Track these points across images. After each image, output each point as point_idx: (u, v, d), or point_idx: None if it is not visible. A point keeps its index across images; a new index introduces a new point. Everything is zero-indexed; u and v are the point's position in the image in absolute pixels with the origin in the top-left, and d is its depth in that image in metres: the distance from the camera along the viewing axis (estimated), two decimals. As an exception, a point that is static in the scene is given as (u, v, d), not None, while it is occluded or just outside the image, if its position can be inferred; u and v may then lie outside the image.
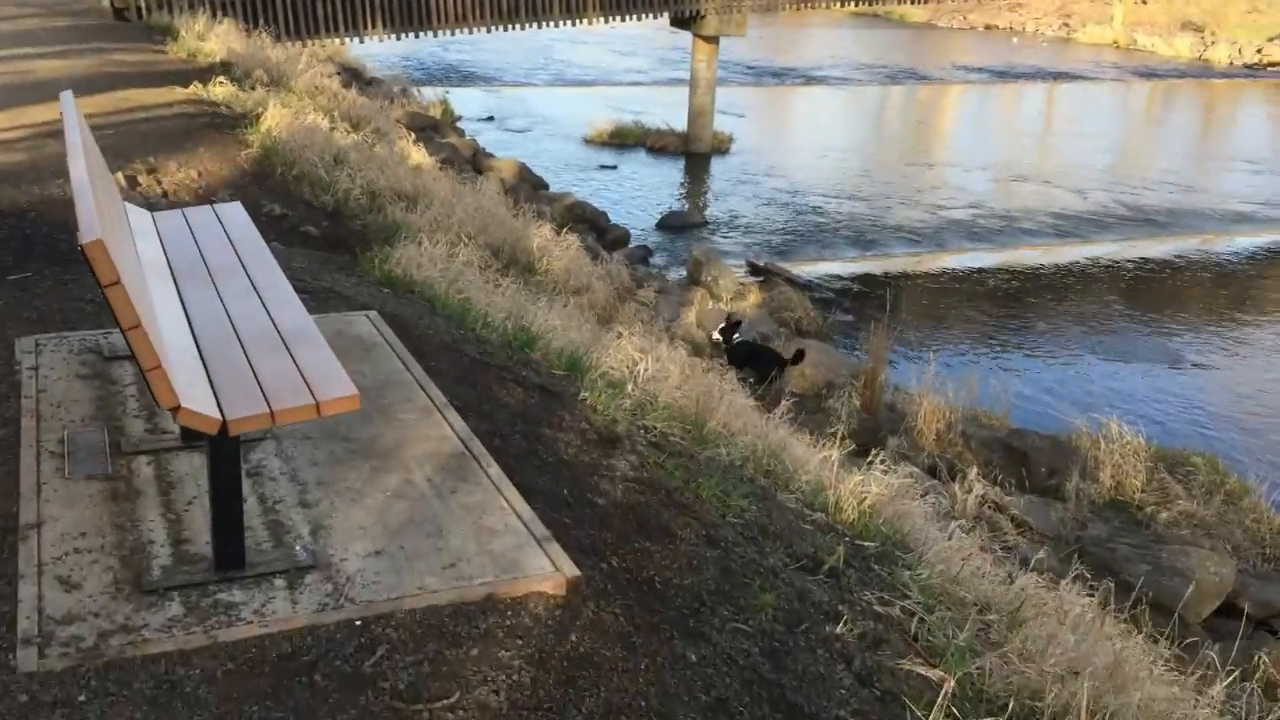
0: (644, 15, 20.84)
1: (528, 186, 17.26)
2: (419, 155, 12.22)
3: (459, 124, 22.65)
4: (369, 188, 8.89)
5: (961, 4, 46.21)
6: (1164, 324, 14.92)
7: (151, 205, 7.11)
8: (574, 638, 2.67)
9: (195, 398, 2.48)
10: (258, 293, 3.25)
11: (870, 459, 7.89)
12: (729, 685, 2.81)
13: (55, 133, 7.89)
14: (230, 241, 3.71)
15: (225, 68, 12.13)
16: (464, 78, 29.96)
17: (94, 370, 3.77)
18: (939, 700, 2.98)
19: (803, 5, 23.63)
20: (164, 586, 2.61)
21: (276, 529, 2.90)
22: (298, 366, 2.73)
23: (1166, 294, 16.48)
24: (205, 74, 11.40)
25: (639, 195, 19.50)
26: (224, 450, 2.53)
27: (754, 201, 19.61)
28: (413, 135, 13.55)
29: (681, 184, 21.08)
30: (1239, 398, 12.47)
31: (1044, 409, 11.41)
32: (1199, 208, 21.25)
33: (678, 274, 15.00)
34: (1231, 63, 41.16)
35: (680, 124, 23.39)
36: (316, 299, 4.91)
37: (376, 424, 3.46)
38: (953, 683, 3.10)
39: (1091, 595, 5.43)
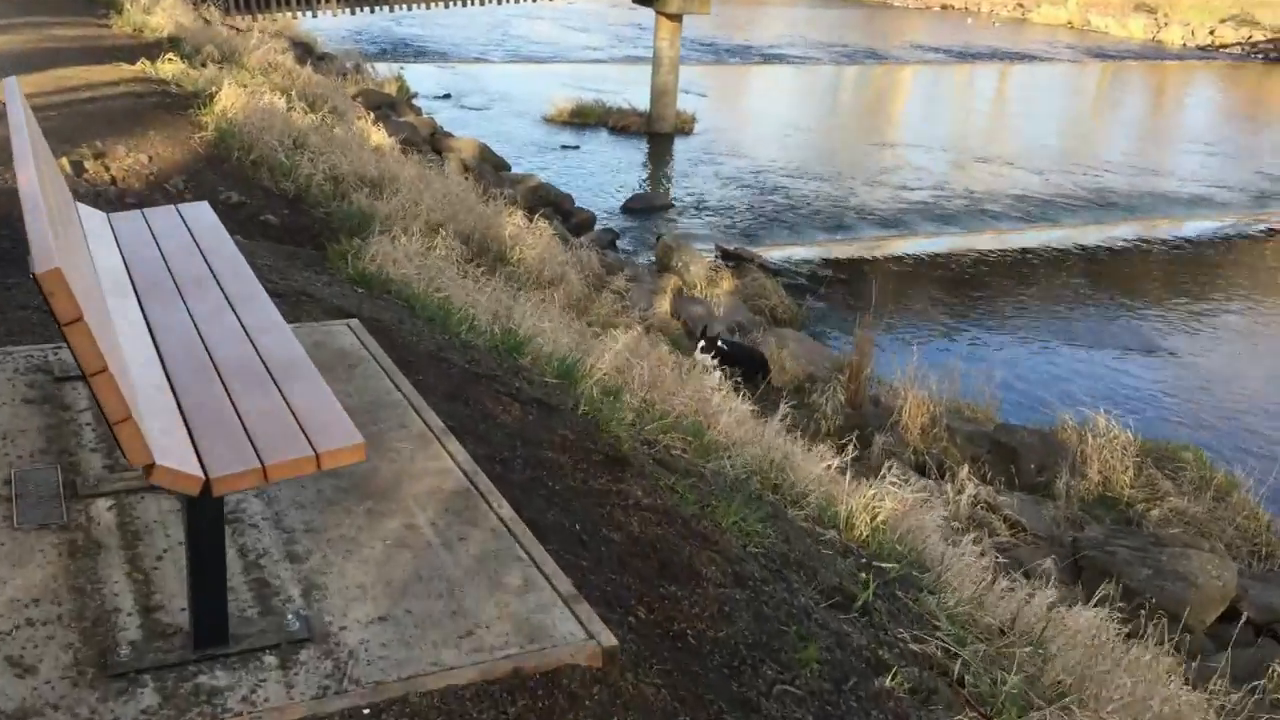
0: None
1: (489, 168, 16.77)
2: (379, 136, 11.72)
3: (415, 101, 22.03)
4: (331, 173, 8.43)
5: (918, -17, 46.18)
6: (1134, 309, 14.82)
7: (99, 194, 6.62)
8: None
9: (171, 451, 2.08)
10: (234, 310, 2.85)
11: (861, 461, 7.63)
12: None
13: (-8, 114, 7.34)
14: (199, 248, 3.29)
15: (173, 43, 11.55)
16: (418, 53, 29.25)
17: (43, 393, 3.34)
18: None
19: (766, -17, 23.24)
20: (134, 669, 2.22)
21: (262, 590, 2.51)
22: (289, 406, 2.34)
23: (1133, 278, 16.41)
24: (152, 50, 10.81)
25: (602, 176, 19.07)
26: (206, 513, 2.14)
27: (719, 183, 19.27)
28: (371, 115, 13.02)
29: (645, 165, 20.68)
30: (1214, 384, 12.38)
31: (1023, 400, 11.22)
32: (1159, 190, 21.27)
33: (646, 259, 14.63)
34: (1184, 44, 41.48)
35: (641, 103, 22.97)
36: (288, 303, 4.49)
37: (369, 456, 3.07)
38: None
39: (1101, 607, 5.20)
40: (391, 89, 21.53)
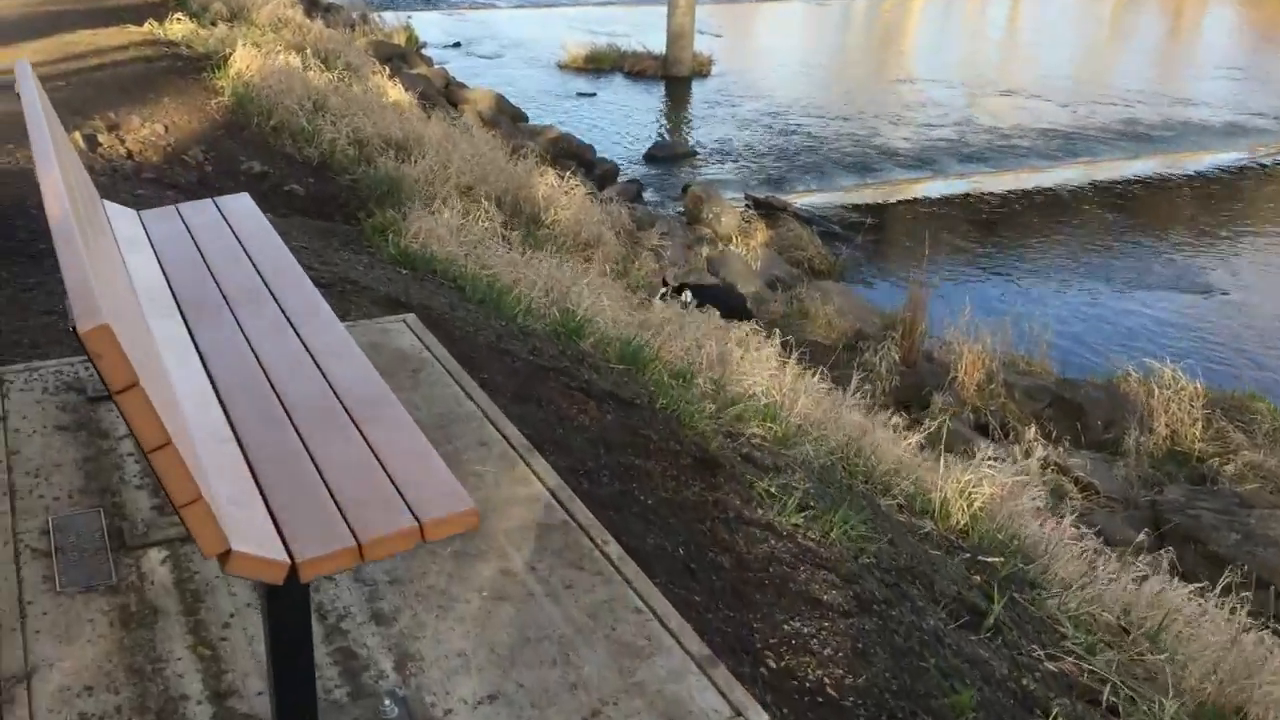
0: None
1: (507, 119, 16.27)
2: (396, 92, 11.24)
3: (425, 52, 21.43)
4: (355, 136, 8.01)
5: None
6: (1176, 245, 14.31)
7: (115, 170, 6.22)
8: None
9: (249, 531, 1.72)
10: (295, 329, 2.47)
11: (921, 425, 7.25)
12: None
13: (-2, 86, 6.93)
14: (245, 251, 2.90)
15: (180, 2, 11.05)
16: (424, 1, 28.52)
17: (77, 417, 2.98)
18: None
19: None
20: (212, 777, 1.88)
21: (349, 663, 2.16)
22: (378, 457, 1.97)
23: (1171, 213, 15.86)
24: (159, 10, 10.34)
25: (621, 124, 18.51)
26: (291, 600, 1.78)
27: (740, 127, 18.69)
28: (387, 70, 12.52)
29: (664, 111, 20.09)
30: (1268, 325, 11.92)
31: (1075, 349, 10.79)
32: (1190, 119, 20.59)
33: (673, 210, 14.17)
34: (1208, -34, 40.22)
35: (657, 46, 22.29)
36: (334, 294, 4.11)
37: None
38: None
39: (1203, 588, 4.85)
40: (400, 39, 20.92)
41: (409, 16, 23.67)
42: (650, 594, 2.41)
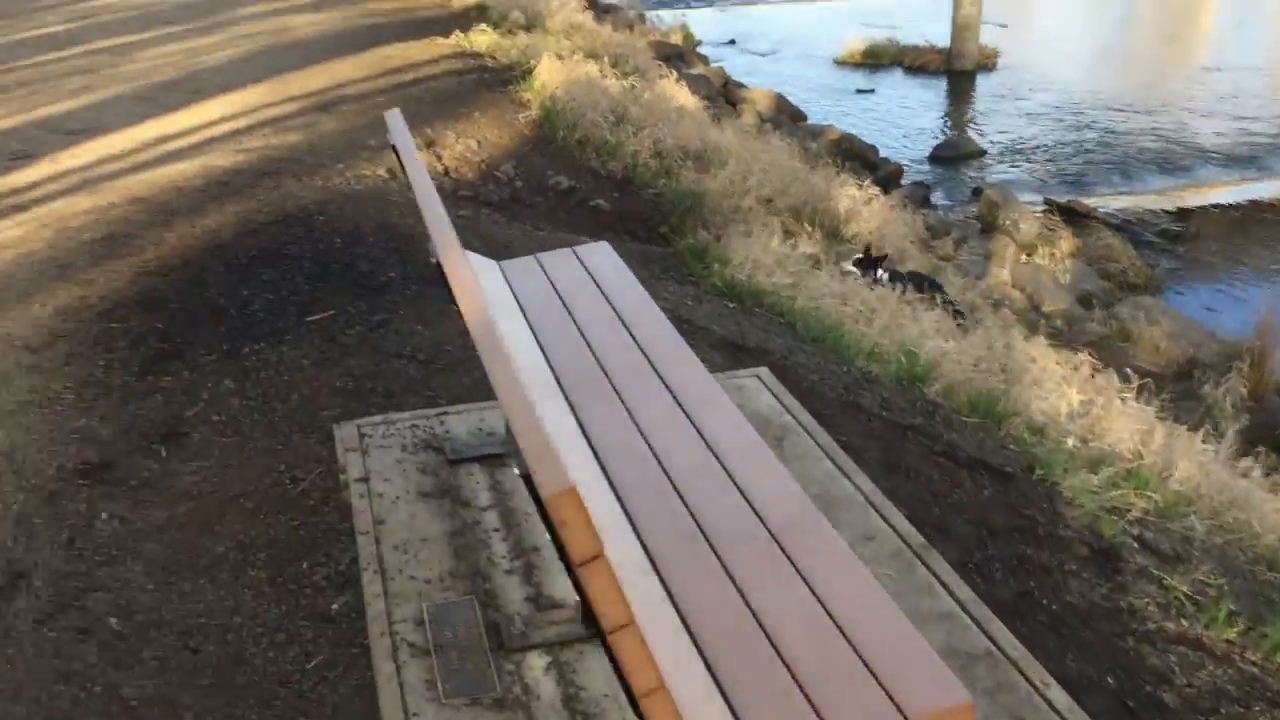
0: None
1: (786, 119, 15.88)
2: (682, 95, 11.06)
3: (700, 50, 21.33)
4: (656, 148, 7.84)
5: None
6: None
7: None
8: None
9: (700, 710, 1.43)
10: (690, 419, 2.19)
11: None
12: None
13: (325, 105, 7.16)
14: (616, 312, 2.67)
15: (481, 11, 11.29)
16: (699, -2, 28.51)
17: (438, 482, 2.84)
18: None
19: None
20: None
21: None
22: (824, 606, 1.65)
23: None
24: (462, 20, 10.58)
25: (902, 121, 17.74)
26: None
27: (1033, 124, 17.50)
28: (674, 74, 12.38)
29: (947, 107, 19.13)
30: None
31: None
32: None
33: (962, 214, 13.37)
34: None
35: (937, 38, 21.28)
36: (672, 338, 3.86)
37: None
38: None
39: None
40: (677, 38, 20.90)
41: (684, 14, 23.67)
42: (1115, 764, 1.99)
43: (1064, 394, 4.40)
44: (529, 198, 6.74)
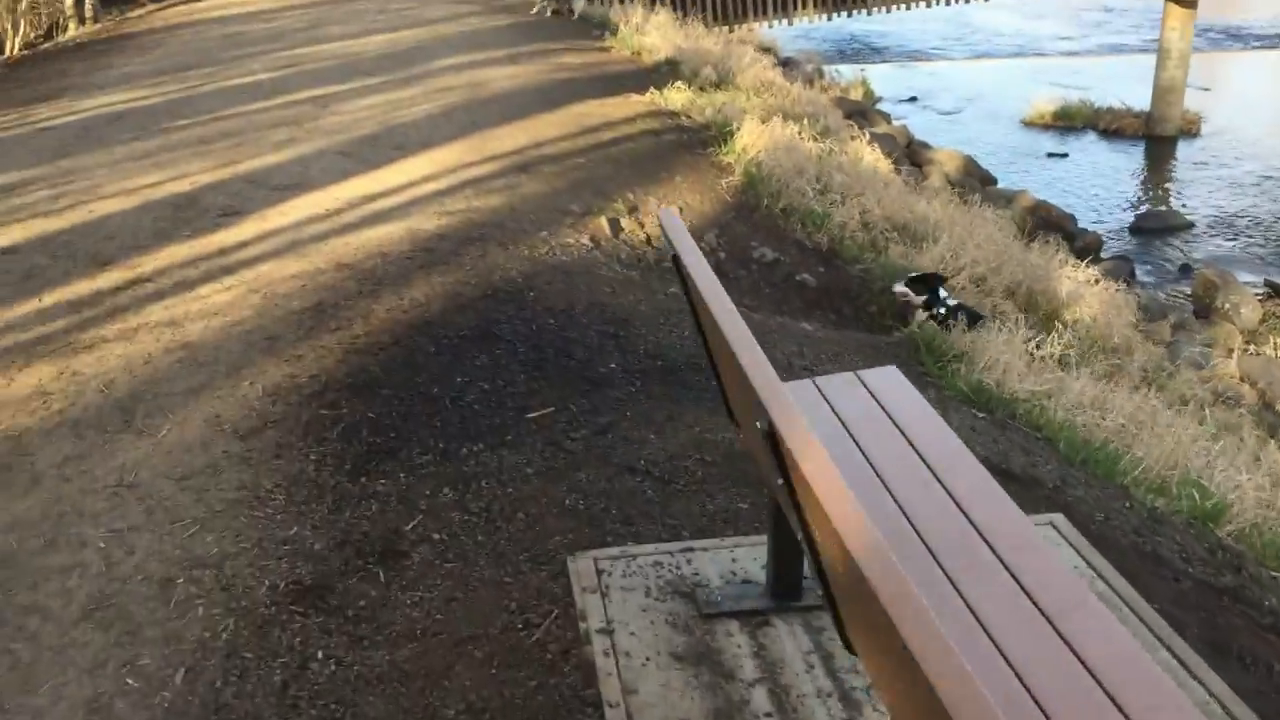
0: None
1: (976, 182, 15.23)
2: (872, 155, 10.59)
3: (880, 106, 20.81)
4: (862, 218, 7.38)
5: None
6: None
7: (639, 259, 5.96)
8: None
9: None
10: (1058, 634, 1.72)
11: None
12: None
13: (525, 165, 6.95)
14: (925, 462, 2.22)
15: (672, 66, 11.09)
16: (873, 51, 27.98)
17: (691, 642, 2.43)
18: None
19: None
20: None
21: None
22: None
23: None
24: (655, 76, 10.38)
25: (1098, 189, 16.79)
26: None
27: (1243, 196, 16.33)
28: (866, 135, 11.92)
29: (1147, 174, 18.06)
30: None
31: None
32: None
33: (1170, 291, 12.44)
34: None
35: (1133, 100, 20.20)
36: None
37: None
38: None
39: None
40: (857, 94, 20.45)
41: (862, 69, 23.21)
42: None
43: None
44: (733, 270, 6.37)
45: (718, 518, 2.92)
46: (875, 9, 17.37)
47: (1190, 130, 19.87)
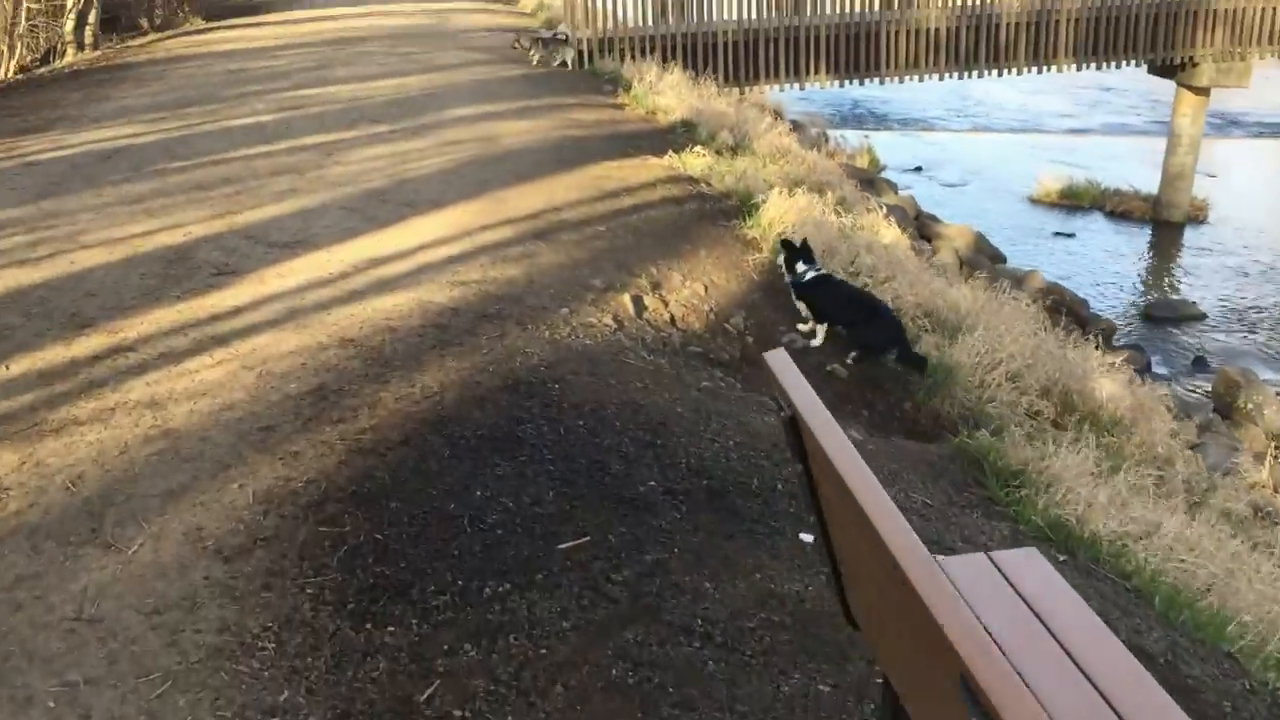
0: (1121, 62, 17.83)
1: (985, 259, 14.95)
2: (890, 232, 10.21)
3: (885, 174, 20.59)
4: (894, 303, 6.96)
5: None
6: None
7: (665, 342, 5.51)
8: None
9: None
10: None
11: None
12: None
13: (541, 231, 6.52)
14: (1080, 669, 1.77)
15: (689, 128, 10.75)
16: (876, 118, 27.90)
17: None
18: None
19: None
20: None
21: None
22: None
23: None
24: (670, 137, 10.02)
25: (1108, 272, 16.52)
26: None
27: (1254, 286, 16.08)
28: (882, 208, 11.58)
29: (1156, 260, 17.83)
30: None
31: None
32: None
33: (1187, 386, 12.08)
34: None
35: (1141, 183, 20.04)
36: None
37: None
38: None
39: None
40: (863, 161, 20.25)
41: (866, 136, 23.03)
42: None
43: None
44: (761, 357, 5.93)
45: (796, 704, 2.44)
46: (888, 78, 17.15)
47: (1198, 217, 19.70)
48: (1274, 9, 17.58)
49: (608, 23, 14.96)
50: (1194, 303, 15.29)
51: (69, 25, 13.21)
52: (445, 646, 2.60)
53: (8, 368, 3.99)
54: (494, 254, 5.94)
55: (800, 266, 6.02)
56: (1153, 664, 2.93)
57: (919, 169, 22.33)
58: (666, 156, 9.07)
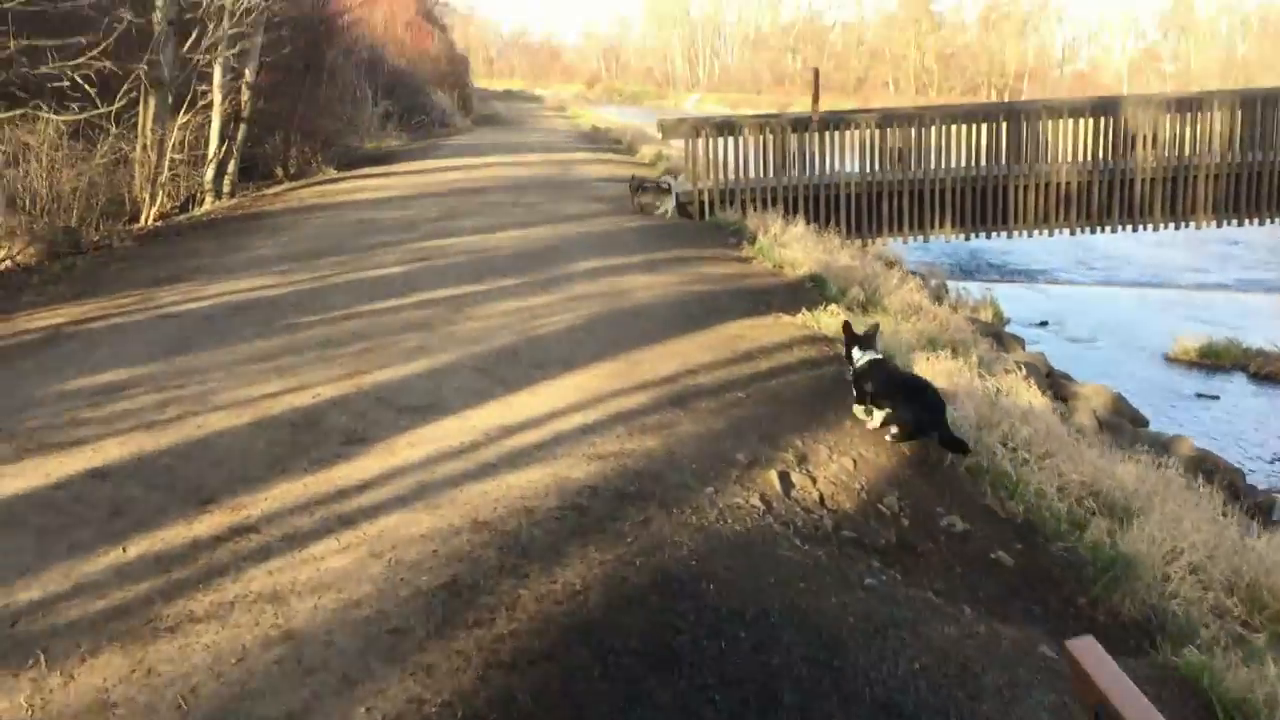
0: (1266, 219, 17.15)
1: (1126, 422, 14.12)
2: (1030, 394, 9.61)
3: (1009, 328, 19.95)
4: (1059, 483, 6.39)
5: None
6: None
7: (816, 527, 5.03)
8: None
9: None
10: None
11: None
12: None
13: (678, 397, 6.15)
14: None
15: (818, 283, 10.43)
16: (994, 269, 27.36)
17: None
18: None
19: None
20: None
21: None
22: None
23: None
24: (801, 293, 9.70)
25: (1257, 441, 15.50)
26: None
27: None
28: (1022, 369, 11.00)
29: (1308, 425, 16.73)
30: None
31: None
32: None
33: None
34: None
35: (1282, 340, 19.04)
36: None
37: None
38: None
39: None
40: (987, 314, 19.68)
41: (988, 288, 22.50)
42: None
43: None
44: (919, 542, 5.39)
45: None
46: (1016, 231, 16.76)
47: (1351, 380, 18.57)
48: None
49: (728, 173, 14.93)
50: (1360, 475, 14.16)
51: (209, 174, 13.65)
52: None
53: (125, 550, 3.72)
54: (630, 423, 5.60)
55: (857, 353, 6.22)
56: None
57: (1045, 323, 21.63)
58: (800, 314, 8.73)
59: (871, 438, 6.30)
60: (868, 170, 15.58)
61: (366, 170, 17.89)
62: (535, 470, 4.69)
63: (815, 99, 16.48)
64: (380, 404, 5.40)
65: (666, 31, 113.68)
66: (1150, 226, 16.73)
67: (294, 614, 3.35)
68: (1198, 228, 17.17)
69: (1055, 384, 15.42)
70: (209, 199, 13.54)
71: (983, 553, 5.55)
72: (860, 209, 15.83)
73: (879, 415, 6.14)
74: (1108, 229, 16.59)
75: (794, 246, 12.05)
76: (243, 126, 14.52)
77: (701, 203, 14.71)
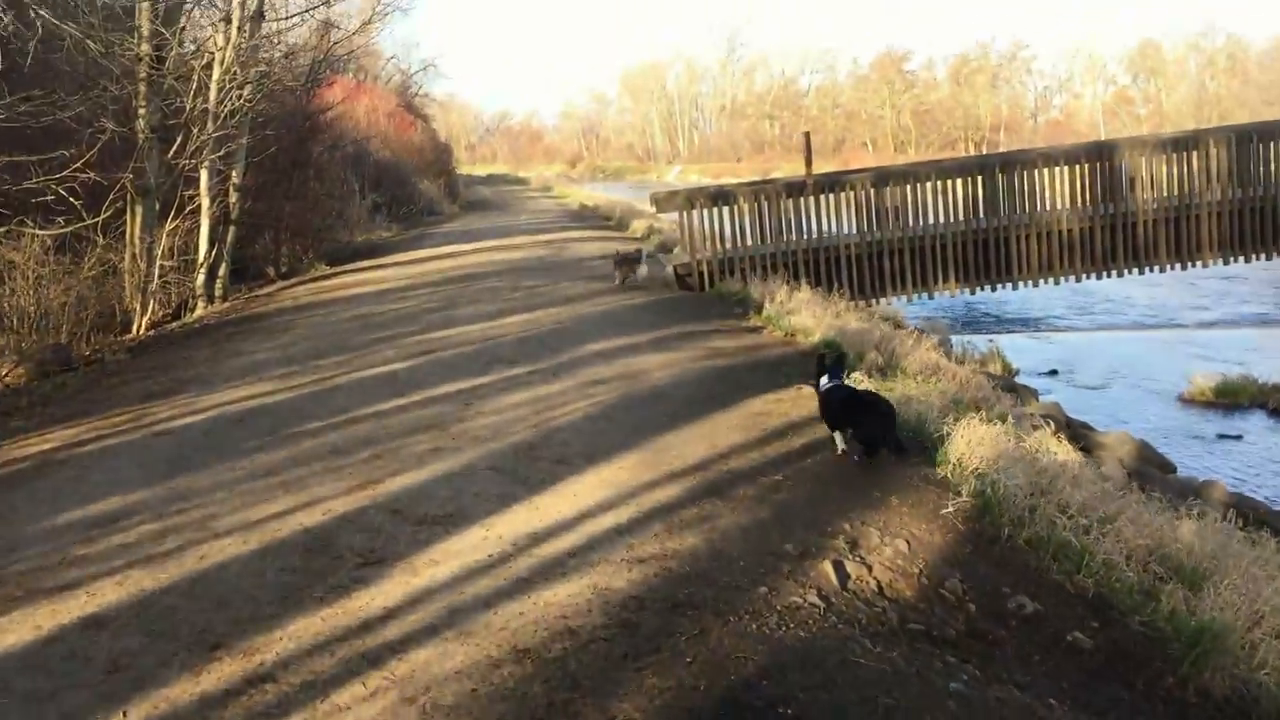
0: (1273, 253, 16.92)
1: (1154, 469, 13.69)
2: (1064, 450, 9.19)
3: (1019, 379, 19.60)
4: (1126, 550, 5.97)
5: None
6: None
7: (882, 622, 4.60)
8: None
9: None
10: None
11: None
12: None
13: (714, 485, 5.74)
14: None
15: (832, 349, 10.07)
16: (994, 320, 27.10)
17: None
18: None
19: None
20: None
21: None
22: None
23: None
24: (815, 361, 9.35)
25: (1284, 477, 15.08)
26: None
27: None
28: (1051, 425, 10.61)
29: (1336, 460, 16.31)
30: None
31: None
32: None
33: None
34: None
35: (1296, 375, 18.70)
36: None
37: None
38: None
39: None
40: (996, 367, 19.34)
41: (990, 340, 22.19)
42: None
43: None
44: (990, 629, 4.96)
45: None
46: (1021, 282, 16.51)
47: (1373, 410, 18.20)
48: None
49: (726, 243, 14.69)
50: (1399, 510, 13.72)
51: (200, 279, 13.36)
52: None
53: (125, 716, 3.28)
54: (667, 518, 5.19)
55: (824, 381, 6.55)
56: None
57: (1054, 372, 21.28)
58: (822, 385, 8.36)
59: (920, 514, 5.89)
60: (866, 230, 15.35)
61: (359, 264, 17.63)
62: (573, 582, 4.28)
63: (808, 162, 16.33)
64: (396, 517, 5.00)
65: (644, 105, 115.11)
66: (1156, 268, 16.50)
67: (322, 782, 2.92)
68: (1204, 266, 16.92)
69: (1076, 434, 15.00)
70: (201, 304, 13.23)
71: (1058, 635, 5.11)
72: (862, 269, 15.58)
73: (839, 440, 6.40)
74: (1113, 273, 16.35)
75: (802, 313, 11.73)
76: (232, 228, 14.28)
77: (701, 274, 14.45)
